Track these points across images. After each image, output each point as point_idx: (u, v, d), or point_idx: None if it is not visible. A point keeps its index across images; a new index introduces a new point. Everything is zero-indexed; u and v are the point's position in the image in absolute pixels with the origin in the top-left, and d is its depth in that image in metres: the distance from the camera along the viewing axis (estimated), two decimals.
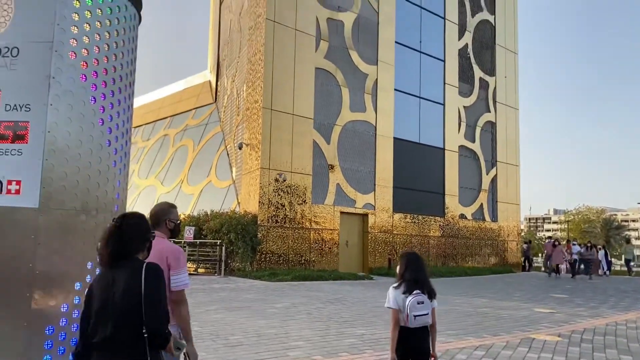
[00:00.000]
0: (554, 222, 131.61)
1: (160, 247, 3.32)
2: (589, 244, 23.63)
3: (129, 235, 2.76)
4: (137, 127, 31.25)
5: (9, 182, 5.01)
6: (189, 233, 18.46)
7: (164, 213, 3.61)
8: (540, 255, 38.20)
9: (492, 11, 28.40)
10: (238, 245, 17.86)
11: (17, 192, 5.05)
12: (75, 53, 5.13)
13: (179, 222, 3.76)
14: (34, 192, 4.99)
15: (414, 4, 24.56)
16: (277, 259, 18.54)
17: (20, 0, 4.86)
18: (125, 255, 2.71)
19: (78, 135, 5.28)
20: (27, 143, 5.01)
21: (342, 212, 20.45)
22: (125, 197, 6.22)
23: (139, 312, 2.52)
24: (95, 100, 5.49)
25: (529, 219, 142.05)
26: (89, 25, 5.23)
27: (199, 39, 29.08)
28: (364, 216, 21.30)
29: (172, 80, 30.24)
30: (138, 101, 31.34)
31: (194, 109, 27.48)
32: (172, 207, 3.72)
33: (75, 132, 5.23)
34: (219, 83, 25.76)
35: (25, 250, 4.94)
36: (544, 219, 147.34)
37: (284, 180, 18.85)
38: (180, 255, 3.41)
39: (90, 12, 5.26)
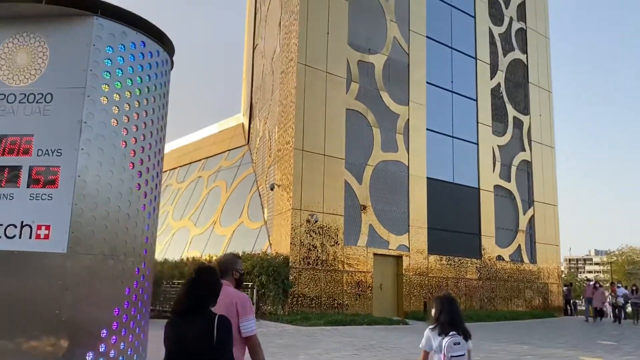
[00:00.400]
0: (596, 264, 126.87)
1: (229, 295, 3.60)
2: (634, 287, 22.50)
3: (204, 291, 3.13)
4: (172, 169, 31.81)
5: (39, 227, 5.02)
6: None
7: (231, 263, 3.90)
8: (581, 298, 36.63)
9: (524, 50, 28.25)
10: (269, 288, 17.62)
11: (46, 237, 5.05)
12: (107, 98, 5.20)
13: (243, 272, 4.04)
14: (63, 236, 4.98)
15: (444, 44, 24.65)
16: (309, 302, 18.20)
17: (55, 48, 4.97)
18: (200, 308, 3.08)
19: (108, 179, 5.30)
20: (57, 188, 5.04)
21: (375, 254, 20.07)
22: (154, 240, 6.17)
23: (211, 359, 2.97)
24: (126, 144, 5.53)
25: (569, 260, 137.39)
26: (122, 70, 5.31)
27: (234, 84, 29.72)
28: (398, 258, 20.86)
29: (207, 124, 30.86)
30: (174, 144, 32.02)
31: (227, 151, 27.86)
32: (238, 257, 4.06)
33: (105, 175, 5.25)
34: (251, 125, 26.12)
35: (52, 296, 4.89)
36: (584, 260, 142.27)
37: (316, 221, 18.69)
38: (248, 303, 3.69)
39: (123, 58, 5.35)
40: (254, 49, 27.30)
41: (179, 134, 32.31)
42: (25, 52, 4.66)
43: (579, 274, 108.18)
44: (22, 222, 4.53)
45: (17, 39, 4.69)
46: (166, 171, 32.35)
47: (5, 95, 4.64)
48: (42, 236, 4.53)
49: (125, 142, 4.83)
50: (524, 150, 26.96)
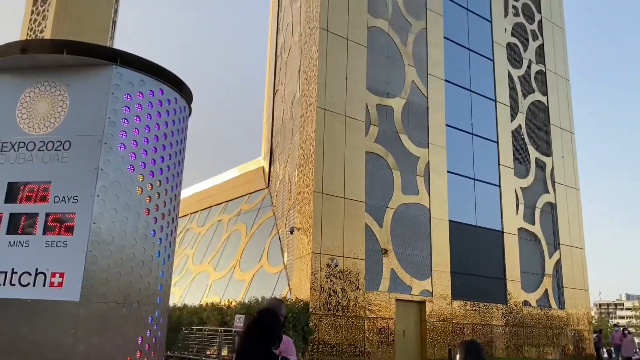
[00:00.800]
0: (627, 309, 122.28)
1: None
2: None
3: (268, 334, 3.25)
4: (193, 213, 31.98)
5: (53, 275, 5.00)
6: (238, 322, 18.05)
7: (277, 308, 4.08)
8: (609, 347, 35.16)
9: (544, 92, 28.18)
10: (290, 335, 17.25)
11: (60, 284, 5.01)
12: (124, 145, 5.25)
13: (285, 316, 4.32)
14: (76, 284, 4.94)
15: (463, 87, 24.73)
16: (330, 349, 17.74)
17: (75, 96, 5.08)
18: (265, 350, 3.19)
19: (123, 225, 5.29)
20: (72, 235, 5.04)
21: (397, 300, 19.62)
22: (168, 287, 6.08)
23: None
24: (142, 190, 5.54)
25: (599, 305, 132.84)
26: (139, 117, 5.38)
27: (255, 128, 30.25)
28: (421, 304, 20.34)
29: (229, 167, 31.21)
30: (196, 187, 32.31)
31: (247, 194, 27.97)
32: (281, 302, 4.29)
33: (120, 222, 5.24)
34: (271, 169, 26.28)
35: (63, 345, 4.80)
36: (615, 305, 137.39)
37: (336, 266, 18.43)
38: (292, 345, 3.92)
39: (141, 105, 5.43)
40: (274, 94, 27.76)
41: (200, 177, 32.65)
42: (45, 101, 4.75)
43: (610, 320, 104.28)
44: (36, 269, 4.51)
45: (39, 88, 4.80)
46: (187, 215, 32.54)
47: (25, 144, 4.71)
48: (55, 284, 4.49)
49: (141, 188, 4.84)
50: (547, 192, 26.51)
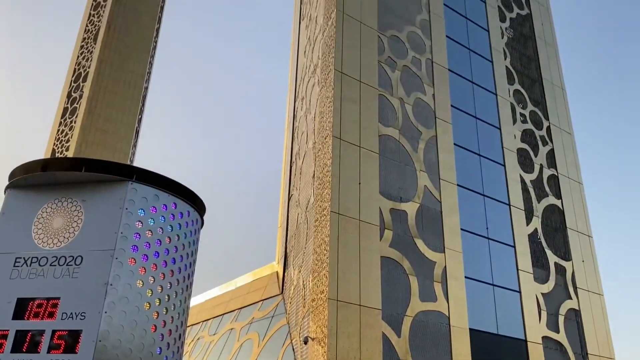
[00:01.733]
0: None
1: None
2: None
3: None
4: (205, 320, 31.24)
5: None
6: None
7: None
8: None
9: (558, 196, 28.20)
10: None
11: None
12: (134, 259, 5.28)
13: None
14: None
15: (476, 192, 24.89)
16: None
17: (90, 211, 5.22)
18: None
19: (129, 343, 5.16)
20: (77, 353, 4.92)
21: None
22: None
23: None
24: (150, 306, 5.47)
25: None
26: (151, 232, 5.46)
27: (269, 233, 30.38)
28: None
29: (243, 272, 30.92)
30: (208, 294, 31.85)
31: (260, 301, 27.42)
32: None
33: (126, 339, 5.13)
34: (285, 274, 25.96)
35: None
36: None
37: None
38: None
39: (154, 220, 5.54)
40: (289, 199, 28.13)
41: (214, 282, 32.30)
42: (61, 216, 4.87)
43: None
44: None
45: (56, 204, 4.93)
46: (198, 323, 31.77)
47: (37, 259, 4.75)
48: None
49: (149, 303, 4.78)
50: (570, 298, 25.61)
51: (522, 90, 30.11)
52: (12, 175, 4.88)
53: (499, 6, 31.71)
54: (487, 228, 24.31)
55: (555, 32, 34.32)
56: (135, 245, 4.80)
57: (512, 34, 31.53)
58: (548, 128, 29.94)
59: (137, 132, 49.56)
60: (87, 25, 52.64)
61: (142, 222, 4.89)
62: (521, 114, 29.17)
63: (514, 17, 32.53)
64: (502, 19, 31.55)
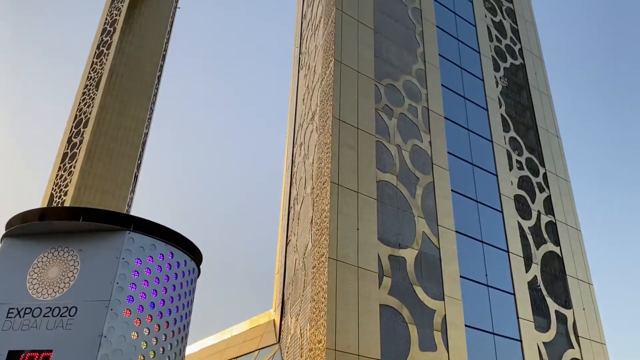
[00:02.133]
0: None
1: None
2: None
3: None
4: None
5: None
6: None
7: None
8: None
9: (557, 242, 28.10)
10: None
11: None
12: (130, 310, 5.22)
13: None
14: None
15: (474, 238, 24.81)
16: None
17: (86, 261, 5.18)
18: None
19: None
20: None
21: None
22: None
23: None
24: (144, 359, 5.36)
25: None
26: (147, 282, 5.42)
27: (266, 280, 30.02)
28: None
29: (240, 318, 30.39)
30: (203, 343, 31.17)
31: (257, 350, 26.82)
32: None
33: None
34: (282, 322, 25.49)
35: None
36: None
37: None
38: None
39: (150, 270, 5.49)
40: (287, 244, 27.95)
41: (210, 329, 31.68)
42: (57, 265, 4.84)
43: None
44: None
45: (52, 254, 4.92)
46: None
47: (31, 309, 4.70)
48: None
49: (144, 356, 4.69)
50: (572, 347, 25.12)
51: (518, 138, 30.47)
52: (10, 224, 4.87)
53: (492, 56, 32.48)
54: (486, 275, 24.11)
55: (549, 80, 35.05)
56: (130, 296, 4.75)
57: (506, 82, 32.18)
58: (544, 175, 30.13)
59: (136, 178, 49.69)
60: (89, 73, 53.60)
61: (138, 272, 4.86)
62: (517, 161, 29.41)
63: (508, 66, 33.28)
64: (496, 68, 32.26)
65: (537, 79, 33.97)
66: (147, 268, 5.03)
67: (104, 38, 54.92)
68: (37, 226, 4.84)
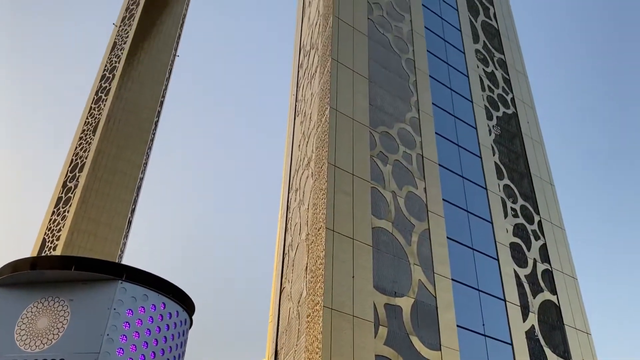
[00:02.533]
0: None
1: None
2: None
3: None
4: None
5: None
6: None
7: None
8: None
9: (553, 291, 27.83)
10: None
11: None
12: None
13: None
14: None
15: (471, 287, 24.54)
16: None
17: (76, 311, 5.08)
18: None
19: None
20: None
21: None
22: None
23: None
24: None
25: None
26: (138, 334, 5.30)
27: (259, 329, 29.47)
28: None
29: None
30: None
31: None
32: None
33: None
34: None
35: None
36: None
37: None
38: None
39: (142, 320, 5.39)
40: (281, 292, 27.57)
41: None
42: (47, 316, 4.73)
43: None
44: None
45: (42, 303, 4.82)
46: None
47: None
48: None
49: None
50: None
51: (512, 185, 30.64)
52: (0, 273, 4.79)
53: (485, 105, 33.05)
54: (483, 325, 23.73)
55: (541, 130, 35.58)
56: (121, 348, 4.64)
57: (499, 131, 32.63)
58: (539, 222, 30.14)
59: (130, 222, 49.40)
60: (87, 118, 54.12)
61: (129, 323, 4.76)
62: (512, 208, 29.47)
63: (500, 115, 33.83)
64: (489, 117, 32.78)
65: (529, 128, 34.48)
66: (139, 319, 4.93)
67: (102, 84, 55.75)
68: (28, 275, 4.77)
